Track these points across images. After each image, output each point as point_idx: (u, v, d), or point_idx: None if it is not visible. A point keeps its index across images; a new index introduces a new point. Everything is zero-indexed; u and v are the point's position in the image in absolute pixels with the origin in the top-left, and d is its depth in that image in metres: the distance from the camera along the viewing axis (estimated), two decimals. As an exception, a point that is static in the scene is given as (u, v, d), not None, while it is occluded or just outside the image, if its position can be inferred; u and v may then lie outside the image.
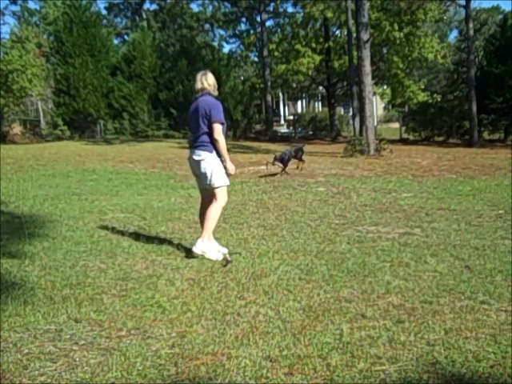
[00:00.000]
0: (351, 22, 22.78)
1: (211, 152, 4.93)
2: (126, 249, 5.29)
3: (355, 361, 2.84)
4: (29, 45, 25.65)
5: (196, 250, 4.90)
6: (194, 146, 5.04)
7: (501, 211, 7.23)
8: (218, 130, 4.88)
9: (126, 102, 27.34)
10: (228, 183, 5.05)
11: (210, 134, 4.90)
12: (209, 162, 4.93)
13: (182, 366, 2.82)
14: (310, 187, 9.93)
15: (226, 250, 5.01)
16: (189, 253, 5.00)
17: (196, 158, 5.01)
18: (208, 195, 5.10)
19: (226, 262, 4.71)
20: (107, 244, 5.51)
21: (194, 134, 5.03)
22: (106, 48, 28.36)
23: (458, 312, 3.52)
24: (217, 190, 4.97)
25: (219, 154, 4.95)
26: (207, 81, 5.00)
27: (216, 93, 5.07)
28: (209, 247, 4.93)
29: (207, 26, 45.00)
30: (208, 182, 4.98)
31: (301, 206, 7.86)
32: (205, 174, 4.97)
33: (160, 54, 29.75)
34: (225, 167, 4.96)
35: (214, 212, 4.98)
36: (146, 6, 44.34)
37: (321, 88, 36.51)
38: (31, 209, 7.63)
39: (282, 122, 40.44)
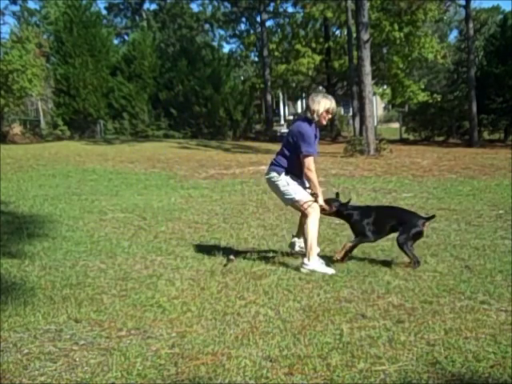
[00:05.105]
0: (351, 21, 22.81)
1: (279, 174, 4.74)
2: (125, 249, 5.29)
3: (355, 361, 2.84)
4: (29, 45, 25.61)
5: (304, 270, 4.53)
6: (271, 163, 4.88)
7: (501, 211, 7.23)
8: (307, 164, 4.66)
9: (126, 102, 27.35)
10: (306, 198, 4.68)
11: (300, 164, 4.71)
12: (277, 181, 4.77)
13: (181, 366, 2.82)
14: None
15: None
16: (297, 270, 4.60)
17: (266, 176, 4.89)
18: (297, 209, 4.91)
19: (226, 262, 4.71)
20: (107, 244, 5.51)
21: (278, 152, 4.87)
22: (106, 48, 28.37)
23: (457, 312, 3.52)
24: (299, 205, 4.70)
25: (308, 186, 4.77)
26: (313, 103, 4.70)
27: (316, 118, 4.71)
28: (315, 264, 4.55)
29: (207, 26, 44.98)
30: (284, 201, 4.82)
31: (301, 206, 7.84)
32: (278, 193, 4.84)
33: (160, 54, 29.71)
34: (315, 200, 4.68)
35: (310, 227, 4.62)
36: (146, 6, 44.39)
37: (321, 88, 36.47)
38: (31, 209, 7.63)
39: (282, 122, 40.37)
